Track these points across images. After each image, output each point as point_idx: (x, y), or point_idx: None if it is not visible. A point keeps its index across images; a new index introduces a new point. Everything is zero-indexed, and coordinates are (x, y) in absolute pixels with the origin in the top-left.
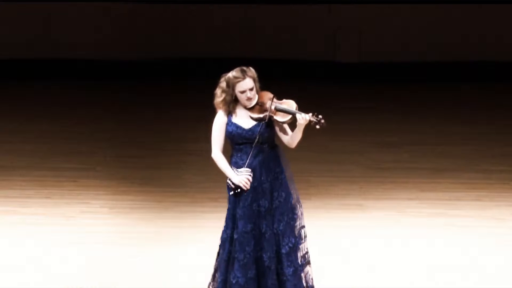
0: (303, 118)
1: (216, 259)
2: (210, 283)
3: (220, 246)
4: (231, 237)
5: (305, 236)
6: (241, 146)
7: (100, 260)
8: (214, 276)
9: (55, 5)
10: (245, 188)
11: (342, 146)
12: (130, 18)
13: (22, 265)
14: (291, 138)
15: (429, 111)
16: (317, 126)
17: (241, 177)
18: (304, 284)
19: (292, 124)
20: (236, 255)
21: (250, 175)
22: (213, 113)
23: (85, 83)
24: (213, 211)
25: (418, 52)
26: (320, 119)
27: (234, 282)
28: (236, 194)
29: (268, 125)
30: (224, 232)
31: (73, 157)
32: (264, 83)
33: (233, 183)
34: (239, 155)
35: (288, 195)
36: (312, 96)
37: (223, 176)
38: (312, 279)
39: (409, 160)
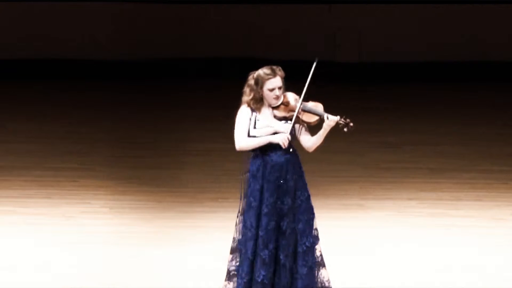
0: (331, 120)
1: (231, 260)
2: (225, 284)
3: (239, 245)
4: (257, 235)
5: (319, 238)
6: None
7: (100, 260)
8: (228, 276)
9: (55, 5)
10: (285, 147)
11: (342, 146)
12: (130, 18)
13: (22, 265)
14: (311, 142)
15: (429, 111)
16: (345, 129)
17: (282, 135)
18: (319, 285)
19: (314, 128)
20: (261, 253)
21: (289, 137)
22: (212, 113)
23: (85, 83)
24: (213, 211)
25: (418, 52)
26: (349, 122)
27: (259, 280)
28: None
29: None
30: (248, 231)
31: (73, 157)
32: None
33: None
34: (259, 151)
35: (309, 195)
36: (312, 96)
37: (223, 176)
38: (328, 280)
39: (409, 160)
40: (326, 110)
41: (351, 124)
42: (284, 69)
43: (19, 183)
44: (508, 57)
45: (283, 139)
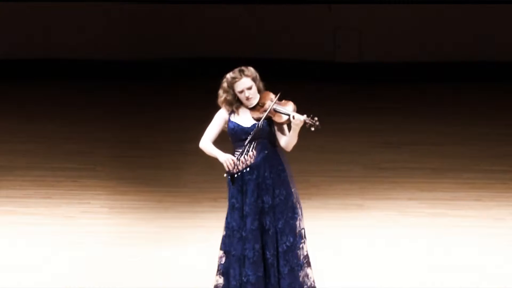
0: (297, 119)
1: (221, 256)
2: (217, 279)
3: (225, 247)
4: (242, 236)
5: (305, 238)
6: (243, 142)
7: (100, 260)
8: (219, 272)
9: (55, 5)
10: (226, 169)
11: (342, 146)
12: (129, 18)
13: (22, 265)
14: (285, 141)
15: (429, 111)
16: (312, 129)
17: (227, 156)
18: (304, 286)
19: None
20: (246, 253)
21: (236, 158)
22: (212, 113)
23: (85, 83)
24: (213, 211)
25: (418, 52)
26: (316, 121)
27: (245, 280)
28: (231, 178)
29: (269, 121)
30: (236, 232)
31: (73, 157)
32: (264, 83)
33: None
34: (240, 151)
35: (289, 194)
36: (312, 96)
37: (223, 176)
38: (314, 281)
39: (409, 160)
40: (324, 111)
41: (318, 123)
42: (284, 69)
43: (19, 183)
44: (508, 57)
45: (226, 161)
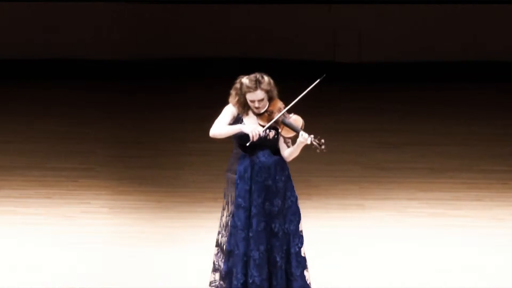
0: (304, 139)
1: (216, 253)
2: (212, 276)
3: (229, 246)
4: (248, 236)
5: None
6: (249, 146)
7: (100, 260)
8: (215, 269)
9: (55, 5)
10: (254, 139)
11: (342, 146)
12: (130, 18)
13: (22, 265)
14: (287, 153)
15: (429, 111)
16: (317, 150)
17: (254, 127)
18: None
19: (294, 140)
20: (251, 254)
21: (260, 131)
22: (213, 113)
23: (85, 83)
24: (213, 211)
25: (418, 52)
26: (322, 143)
27: (251, 281)
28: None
29: (277, 130)
30: (240, 231)
31: (73, 157)
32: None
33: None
34: (244, 153)
35: (296, 197)
36: (312, 96)
37: (223, 176)
38: (310, 283)
39: (409, 160)
40: (324, 111)
41: (323, 146)
42: (284, 69)
43: (19, 183)
44: (508, 57)
45: (253, 131)
